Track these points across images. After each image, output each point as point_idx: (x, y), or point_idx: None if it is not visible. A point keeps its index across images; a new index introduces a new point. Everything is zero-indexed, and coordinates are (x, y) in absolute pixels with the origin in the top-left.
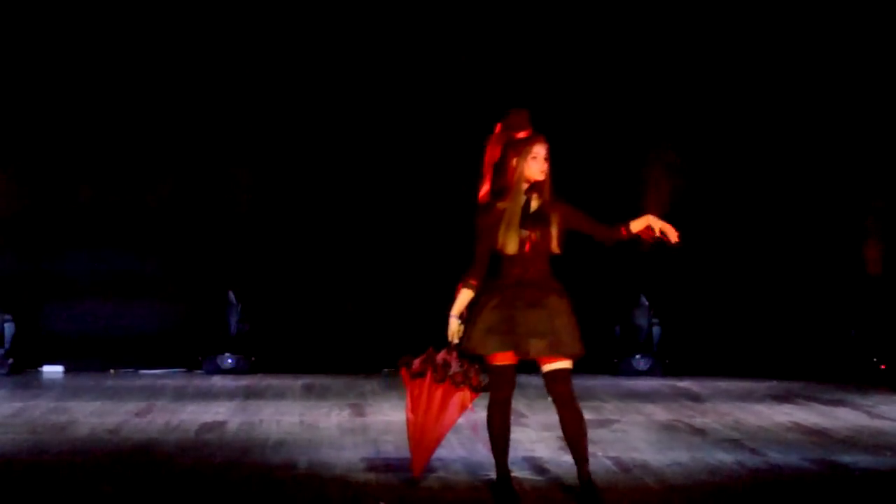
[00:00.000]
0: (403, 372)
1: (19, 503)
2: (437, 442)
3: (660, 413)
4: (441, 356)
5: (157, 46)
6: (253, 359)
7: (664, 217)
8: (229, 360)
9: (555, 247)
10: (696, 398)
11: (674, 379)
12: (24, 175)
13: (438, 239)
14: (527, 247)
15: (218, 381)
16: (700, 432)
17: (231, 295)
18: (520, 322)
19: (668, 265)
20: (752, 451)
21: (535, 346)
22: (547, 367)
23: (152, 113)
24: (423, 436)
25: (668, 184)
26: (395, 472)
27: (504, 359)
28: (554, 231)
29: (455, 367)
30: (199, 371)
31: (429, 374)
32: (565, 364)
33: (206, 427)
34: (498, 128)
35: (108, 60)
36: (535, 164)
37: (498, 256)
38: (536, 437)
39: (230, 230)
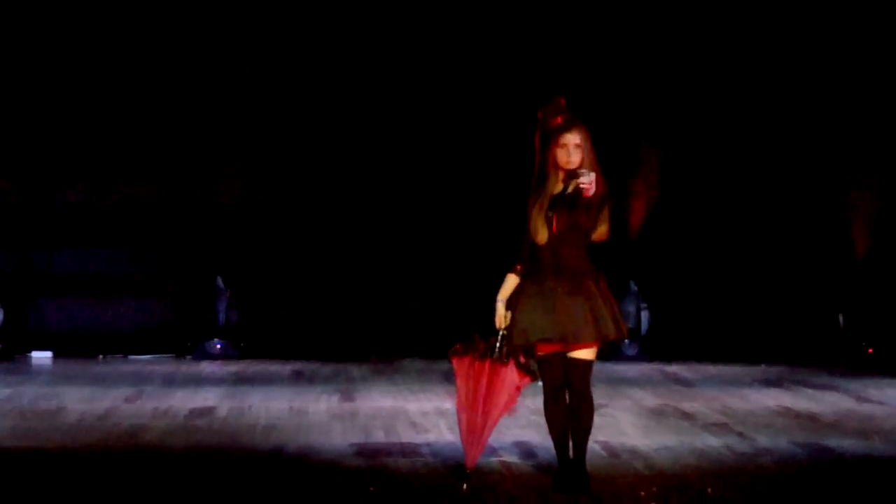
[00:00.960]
0: (454, 360)
1: (9, 489)
2: (490, 429)
3: (648, 398)
4: (489, 341)
5: (141, 41)
6: (242, 345)
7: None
8: (218, 346)
9: (590, 233)
10: (684, 383)
11: (662, 364)
12: (14, 173)
13: (429, 225)
14: (553, 230)
15: (207, 367)
16: (688, 417)
17: (219, 281)
18: (559, 310)
19: (656, 251)
20: (741, 435)
21: (577, 332)
22: (571, 355)
23: (138, 105)
24: (473, 425)
25: (654, 177)
26: (384, 457)
27: (549, 348)
28: (583, 216)
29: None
30: (188, 357)
31: (470, 355)
32: (588, 355)
33: (196, 412)
34: (539, 115)
35: (94, 59)
36: (562, 153)
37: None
38: (526, 423)
39: (218, 217)
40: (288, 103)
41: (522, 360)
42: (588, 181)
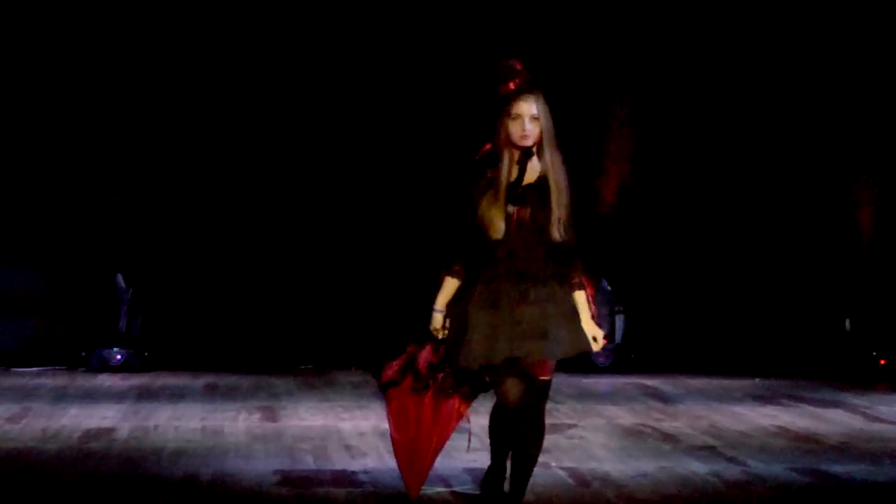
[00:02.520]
0: (386, 386)
1: None
2: (433, 457)
3: (623, 416)
4: (424, 357)
5: (30, 40)
6: (146, 354)
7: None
8: (118, 356)
9: (554, 231)
10: (665, 399)
11: (640, 376)
12: None
13: (362, 220)
14: (512, 226)
15: (105, 379)
16: (670, 438)
17: (120, 279)
18: (508, 323)
19: (632, 243)
20: (731, 459)
21: (528, 349)
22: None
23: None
24: (416, 454)
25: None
26: (314, 486)
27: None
28: (549, 212)
29: (439, 371)
30: (82, 369)
31: (408, 383)
32: (545, 376)
33: (92, 434)
34: (493, 81)
35: None
36: (515, 126)
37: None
38: (479, 444)
39: (119, 206)
40: (204, 89)
41: (467, 390)
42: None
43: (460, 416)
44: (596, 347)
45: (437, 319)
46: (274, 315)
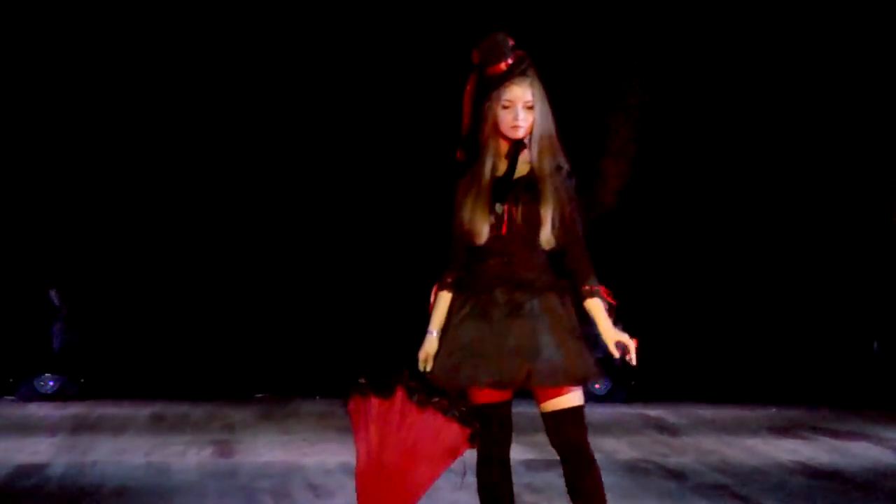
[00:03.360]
0: (355, 400)
1: None
2: (417, 496)
3: (623, 450)
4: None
5: None
6: (83, 380)
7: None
8: (51, 383)
9: (548, 233)
10: (670, 430)
11: (642, 406)
12: None
13: (322, 226)
14: (503, 228)
15: (36, 409)
16: (676, 476)
17: (53, 296)
18: (499, 338)
19: (633, 252)
20: (744, 499)
21: (511, 373)
22: (547, 406)
23: None
24: (388, 492)
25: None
26: None
27: (488, 395)
28: (546, 210)
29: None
30: (10, 397)
31: (399, 395)
32: (572, 400)
33: (22, 471)
34: (475, 58)
35: None
36: (506, 115)
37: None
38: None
39: (50, 216)
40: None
41: (463, 408)
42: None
43: (455, 453)
44: (621, 354)
45: (431, 343)
46: (227, 335)
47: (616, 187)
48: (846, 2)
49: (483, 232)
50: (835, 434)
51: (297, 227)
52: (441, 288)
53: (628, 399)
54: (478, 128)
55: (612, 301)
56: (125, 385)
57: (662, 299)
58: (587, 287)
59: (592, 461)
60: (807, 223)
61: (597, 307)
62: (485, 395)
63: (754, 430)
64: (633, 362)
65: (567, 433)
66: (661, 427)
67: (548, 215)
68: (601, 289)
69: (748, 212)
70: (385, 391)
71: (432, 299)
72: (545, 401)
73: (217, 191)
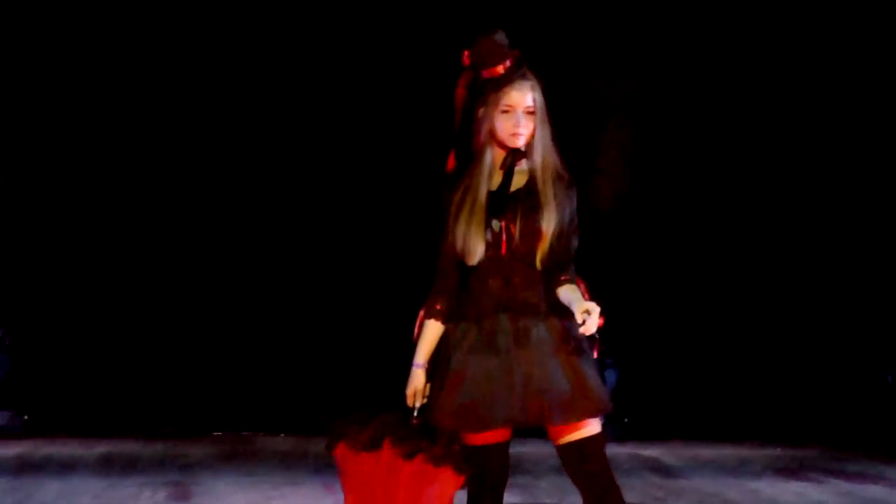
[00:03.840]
0: (341, 449)
1: None
2: None
3: None
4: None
5: None
6: (26, 417)
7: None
8: None
9: (543, 251)
10: (667, 472)
11: (636, 445)
12: None
13: (287, 243)
14: (502, 247)
15: None
16: None
17: None
18: (509, 371)
19: (626, 280)
20: None
21: (535, 408)
22: (564, 439)
23: None
24: None
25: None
26: None
27: (489, 435)
28: (547, 225)
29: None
30: None
31: (386, 447)
32: (590, 429)
33: None
34: (465, 59)
35: None
36: (506, 121)
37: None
38: None
39: None
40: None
41: (460, 465)
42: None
43: (455, 488)
44: (590, 325)
45: (419, 377)
46: (183, 366)
47: (609, 200)
48: (846, 3)
49: (478, 251)
50: (846, 476)
51: (255, 246)
52: (429, 315)
53: (621, 437)
54: (469, 135)
55: (587, 295)
56: (73, 421)
57: (657, 328)
58: (563, 278)
59: (617, 489)
60: (813, 246)
61: (574, 290)
62: (485, 436)
63: (758, 471)
64: (590, 328)
65: (589, 465)
66: (657, 468)
67: (549, 231)
68: (579, 281)
69: (751, 238)
70: (373, 445)
71: (417, 329)
72: (562, 433)
73: (168, 215)
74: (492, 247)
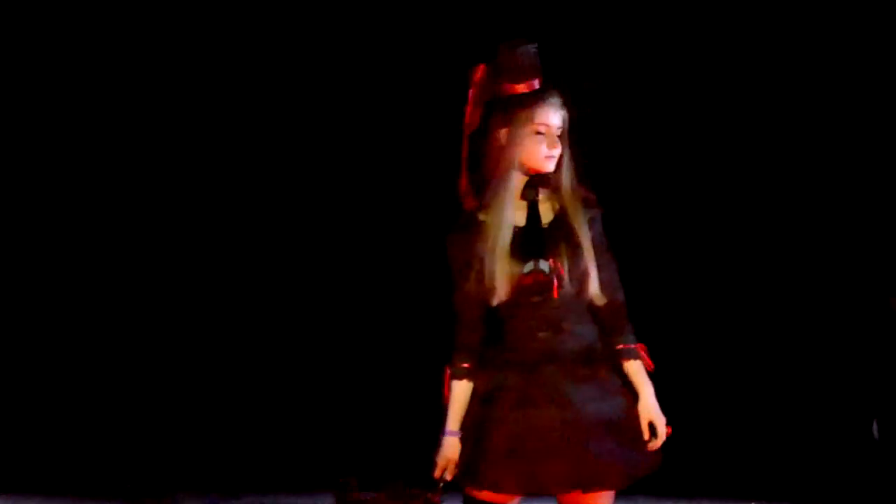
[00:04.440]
0: None
1: None
2: None
3: None
4: None
5: None
6: None
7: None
8: None
9: (593, 287)
10: None
11: None
12: None
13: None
14: (553, 290)
15: None
16: None
17: None
18: (551, 431)
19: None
20: None
21: (603, 470)
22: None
23: None
24: None
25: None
26: None
27: (506, 497)
28: (591, 262)
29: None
30: None
31: None
32: (608, 498)
33: None
34: (479, 73)
35: None
36: (540, 143)
37: (504, 312)
38: None
39: None
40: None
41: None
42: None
43: None
44: (656, 440)
45: (453, 446)
46: (84, 408)
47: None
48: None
49: (517, 295)
50: None
51: (227, 273)
52: (456, 376)
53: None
54: (486, 158)
55: (650, 364)
56: (26, 475)
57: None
58: (623, 346)
59: None
60: (791, 282)
61: (638, 372)
62: (504, 496)
63: None
64: (655, 446)
65: None
66: None
67: (594, 268)
68: (639, 347)
69: (726, 287)
70: None
71: (447, 390)
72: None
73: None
74: (540, 290)
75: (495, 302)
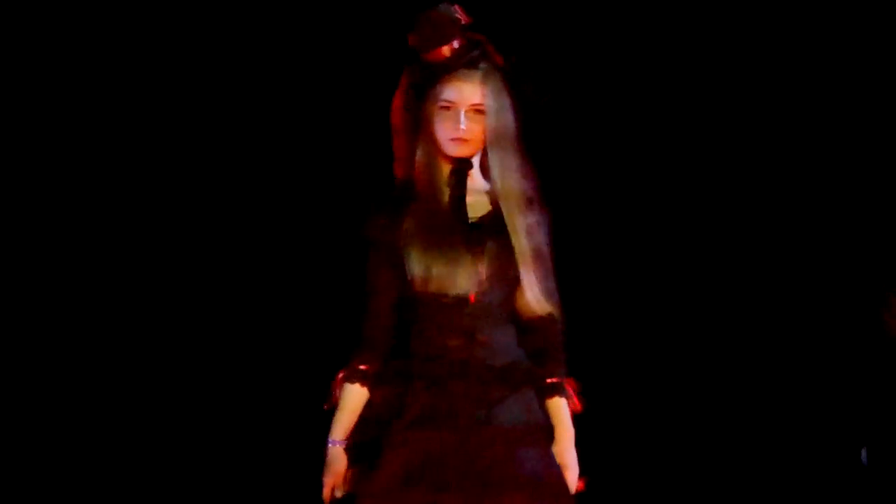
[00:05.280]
0: None
1: None
2: None
3: None
4: None
5: None
6: None
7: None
8: None
9: (524, 298)
10: None
11: None
12: None
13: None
14: (470, 294)
15: None
16: None
17: None
18: (462, 455)
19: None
20: None
21: (506, 497)
22: None
23: None
24: None
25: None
26: None
27: None
28: (525, 266)
29: None
30: None
31: None
32: None
33: None
34: (410, 42)
35: None
36: (445, 121)
37: (412, 312)
38: None
39: None
40: None
41: None
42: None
43: None
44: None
45: (338, 459)
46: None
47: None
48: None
49: (459, 286)
50: None
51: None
52: (350, 378)
53: None
54: (412, 144)
55: (577, 405)
56: None
57: (602, 390)
58: (553, 380)
59: None
60: (775, 300)
61: (560, 412)
62: None
63: None
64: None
65: None
66: None
67: (528, 273)
68: (569, 383)
69: (706, 285)
70: None
71: (334, 394)
72: None
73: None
74: (458, 294)
75: (431, 288)
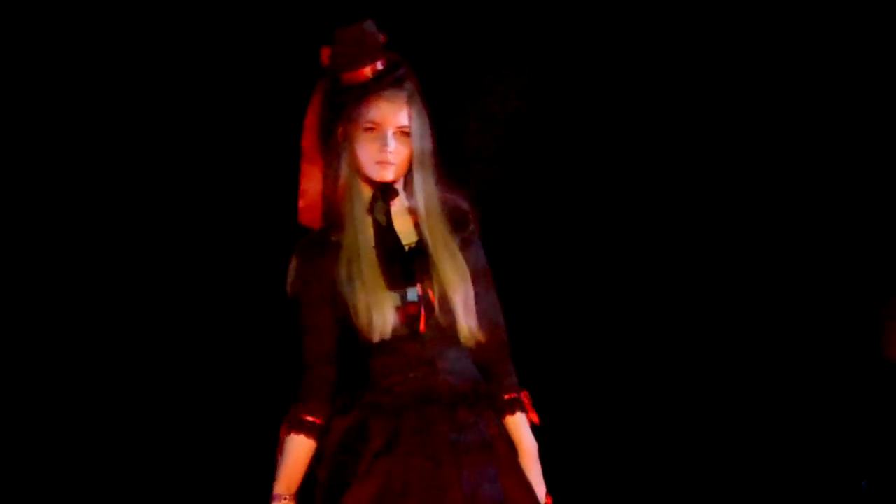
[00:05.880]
0: None
1: None
2: None
3: None
4: None
5: None
6: None
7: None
8: None
9: (465, 321)
10: None
11: None
12: None
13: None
14: (421, 322)
15: None
16: None
17: None
18: (432, 487)
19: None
20: None
21: None
22: None
23: None
24: None
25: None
26: None
27: None
28: (462, 290)
29: None
30: None
31: None
32: None
33: None
34: (325, 58)
35: None
36: (370, 143)
37: (360, 350)
38: None
39: None
40: None
41: None
42: None
43: None
44: None
45: None
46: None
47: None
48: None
49: (385, 325)
50: None
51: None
52: (296, 429)
53: None
54: (332, 164)
55: (536, 418)
56: None
57: (585, 418)
58: (510, 395)
59: None
60: (772, 322)
61: (520, 427)
62: None
63: None
64: None
65: None
66: None
67: (466, 297)
68: (524, 396)
69: (699, 304)
70: None
71: (279, 451)
72: None
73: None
74: (410, 323)
75: (376, 339)
